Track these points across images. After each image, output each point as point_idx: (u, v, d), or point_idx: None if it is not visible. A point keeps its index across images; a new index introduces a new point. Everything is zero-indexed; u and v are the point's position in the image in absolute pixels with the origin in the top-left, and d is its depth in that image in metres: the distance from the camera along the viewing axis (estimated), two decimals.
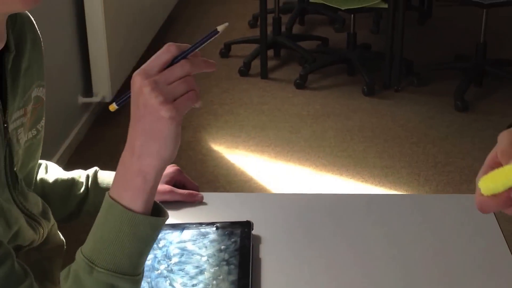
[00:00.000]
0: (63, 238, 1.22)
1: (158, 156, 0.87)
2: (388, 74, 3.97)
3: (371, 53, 4.43)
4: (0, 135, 0.98)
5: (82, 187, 1.27)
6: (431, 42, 4.74)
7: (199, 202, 1.32)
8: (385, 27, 4.04)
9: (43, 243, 1.12)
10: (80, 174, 1.29)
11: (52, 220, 1.17)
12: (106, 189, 1.26)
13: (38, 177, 1.27)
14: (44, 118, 1.15)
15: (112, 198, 0.90)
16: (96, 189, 1.27)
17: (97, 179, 1.28)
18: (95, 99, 3.49)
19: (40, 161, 1.28)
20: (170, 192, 1.30)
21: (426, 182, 3.03)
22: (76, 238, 1.06)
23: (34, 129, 1.11)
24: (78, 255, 0.91)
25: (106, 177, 1.29)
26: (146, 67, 0.87)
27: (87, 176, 1.29)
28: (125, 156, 0.91)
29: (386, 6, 3.78)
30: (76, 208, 1.28)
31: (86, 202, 1.27)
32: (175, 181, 1.33)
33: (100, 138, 3.47)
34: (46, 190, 1.25)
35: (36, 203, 1.12)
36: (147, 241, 0.90)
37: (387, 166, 3.15)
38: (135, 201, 0.89)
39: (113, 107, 0.92)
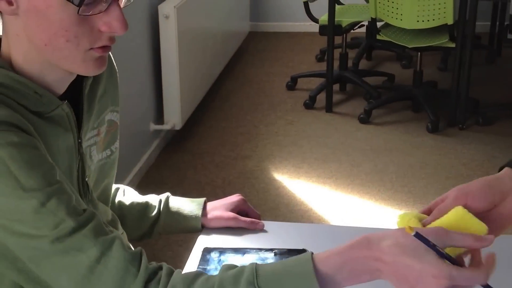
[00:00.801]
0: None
1: None
2: (453, 112, 3.98)
3: (437, 90, 4.44)
4: (74, 149, 1.10)
5: (154, 210, 1.39)
6: (499, 81, 4.72)
7: (260, 229, 1.40)
8: (452, 65, 4.06)
9: None
10: (153, 198, 1.42)
11: (121, 229, 1.29)
12: (176, 213, 1.37)
13: (117, 199, 1.40)
14: (118, 141, 1.27)
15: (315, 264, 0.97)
16: (167, 212, 1.39)
17: (168, 204, 1.40)
18: (166, 126, 3.65)
19: (119, 185, 1.42)
20: (235, 219, 1.39)
21: None
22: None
23: (109, 150, 1.24)
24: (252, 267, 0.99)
25: (176, 202, 1.41)
26: (455, 275, 0.90)
27: (160, 201, 1.41)
28: (369, 251, 0.96)
29: (453, 45, 3.80)
30: (148, 229, 1.40)
31: (158, 224, 1.39)
32: (239, 209, 1.43)
33: (169, 164, 3.60)
34: (124, 211, 1.39)
35: (105, 211, 1.24)
36: None
37: None
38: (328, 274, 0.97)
39: (410, 230, 0.92)
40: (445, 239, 0.93)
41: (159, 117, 3.66)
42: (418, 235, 0.90)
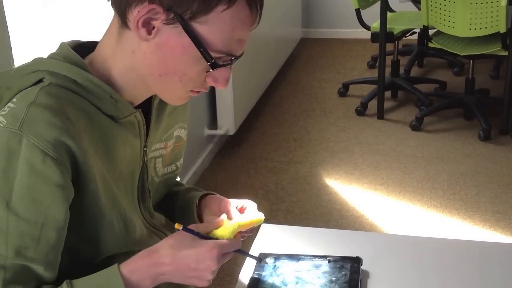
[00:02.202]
0: None
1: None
2: (505, 120, 3.97)
3: (489, 98, 4.42)
4: (140, 156, 1.16)
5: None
6: None
7: (314, 236, 1.43)
8: (504, 72, 4.05)
9: None
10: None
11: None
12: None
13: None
14: (183, 157, 1.34)
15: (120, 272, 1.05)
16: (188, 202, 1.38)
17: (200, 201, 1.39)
18: (220, 131, 3.74)
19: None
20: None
21: None
22: None
23: (174, 165, 1.31)
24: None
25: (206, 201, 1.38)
26: (220, 244, 1.09)
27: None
28: (150, 259, 1.07)
29: (506, 53, 3.79)
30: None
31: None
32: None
33: (223, 168, 3.70)
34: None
35: (159, 218, 1.29)
36: None
37: (499, 212, 3.16)
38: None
39: (178, 226, 1.10)
40: (204, 226, 1.11)
41: (213, 123, 3.76)
42: (184, 228, 1.09)
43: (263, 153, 3.87)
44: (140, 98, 1.14)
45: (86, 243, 1.10)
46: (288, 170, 3.66)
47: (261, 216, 1.21)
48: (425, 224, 3.10)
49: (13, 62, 2.16)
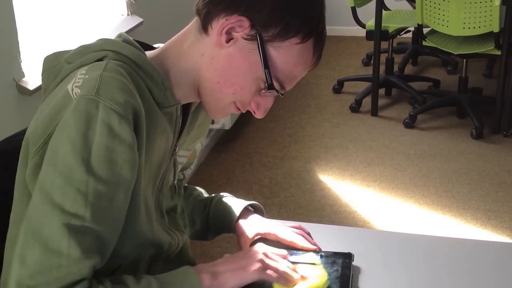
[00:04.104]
0: (194, 259, 1.40)
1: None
2: (498, 119, 4.02)
3: (482, 97, 4.46)
4: (169, 152, 1.20)
5: (205, 209, 1.46)
6: None
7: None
8: (497, 71, 4.09)
9: (179, 255, 1.31)
10: (209, 197, 1.49)
11: (186, 236, 1.36)
12: (221, 216, 1.44)
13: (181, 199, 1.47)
14: (191, 168, 1.38)
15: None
16: (214, 212, 1.45)
17: (218, 204, 1.46)
18: (216, 126, 3.78)
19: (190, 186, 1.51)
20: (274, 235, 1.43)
21: None
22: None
23: (181, 174, 1.35)
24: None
25: (225, 204, 1.44)
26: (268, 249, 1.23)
27: (212, 199, 1.47)
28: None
29: (499, 53, 3.83)
30: (202, 227, 1.47)
31: (210, 222, 1.46)
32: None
33: (218, 162, 3.73)
34: (184, 208, 1.46)
35: (172, 219, 1.32)
36: None
37: (491, 210, 3.20)
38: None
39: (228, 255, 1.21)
40: None
41: None
42: None
43: (258, 148, 3.90)
44: (183, 101, 1.19)
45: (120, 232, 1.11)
46: (283, 165, 3.70)
47: (322, 278, 1.23)
48: (417, 221, 3.13)
49: (19, 56, 2.18)
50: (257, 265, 1.15)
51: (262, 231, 1.38)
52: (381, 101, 4.45)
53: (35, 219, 0.99)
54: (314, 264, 1.26)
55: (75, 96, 1.01)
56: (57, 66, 1.12)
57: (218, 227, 1.45)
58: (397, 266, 1.33)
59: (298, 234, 1.39)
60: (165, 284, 1.07)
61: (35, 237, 0.98)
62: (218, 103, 1.16)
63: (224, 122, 3.77)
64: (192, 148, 1.33)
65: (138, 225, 1.12)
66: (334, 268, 1.27)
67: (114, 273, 1.14)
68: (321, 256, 1.32)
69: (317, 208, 3.24)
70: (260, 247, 1.21)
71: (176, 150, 1.23)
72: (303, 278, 1.21)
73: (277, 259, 1.20)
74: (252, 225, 1.39)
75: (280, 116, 4.35)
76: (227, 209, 1.43)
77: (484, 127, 3.98)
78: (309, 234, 1.41)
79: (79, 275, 0.99)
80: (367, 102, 4.39)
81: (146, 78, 1.10)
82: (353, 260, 1.31)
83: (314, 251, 1.34)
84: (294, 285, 1.18)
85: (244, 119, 4.13)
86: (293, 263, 1.24)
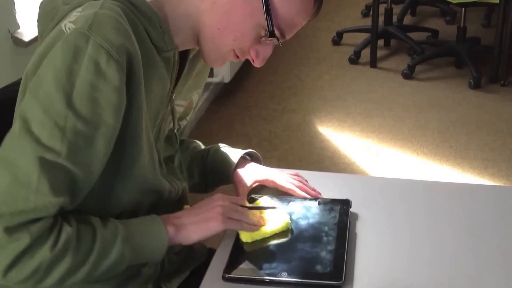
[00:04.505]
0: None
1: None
2: (495, 68, 4.02)
3: (480, 47, 4.46)
4: (166, 99, 1.19)
5: (201, 162, 1.47)
6: None
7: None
8: (495, 21, 4.08)
9: (177, 203, 1.31)
10: (205, 150, 1.49)
11: (184, 184, 1.35)
12: (217, 167, 1.44)
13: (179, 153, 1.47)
14: (187, 120, 1.37)
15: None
16: (211, 164, 1.45)
17: (214, 155, 1.46)
18: (215, 79, 3.79)
19: (188, 140, 1.51)
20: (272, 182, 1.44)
21: None
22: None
23: (178, 124, 1.33)
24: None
25: (222, 154, 1.44)
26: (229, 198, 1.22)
27: (208, 151, 1.47)
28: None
29: (497, 1, 3.82)
30: (200, 180, 1.47)
31: (207, 175, 1.46)
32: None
33: (218, 116, 3.75)
34: (182, 162, 1.46)
35: (171, 169, 1.32)
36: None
37: (488, 159, 3.23)
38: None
39: (186, 207, 1.23)
40: None
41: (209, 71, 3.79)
42: None
43: (257, 101, 3.92)
44: (181, 47, 1.18)
45: (119, 178, 1.11)
46: (282, 118, 3.72)
47: (285, 220, 1.25)
48: (415, 170, 3.17)
49: (14, 7, 2.18)
50: (219, 217, 1.16)
51: (260, 178, 1.39)
52: (380, 52, 4.45)
53: (10, 147, 0.98)
54: (274, 208, 1.27)
55: (68, 31, 1.00)
56: (53, 9, 1.09)
57: (216, 178, 1.45)
58: (395, 211, 1.34)
59: (296, 180, 1.40)
60: (131, 231, 1.08)
61: (6, 165, 0.97)
62: (218, 50, 1.15)
63: (224, 75, 3.77)
64: (189, 98, 1.32)
65: (141, 170, 1.12)
66: (332, 214, 1.29)
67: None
68: (319, 203, 1.33)
69: (317, 160, 3.27)
70: (218, 198, 1.20)
71: (173, 98, 1.22)
72: (264, 221, 1.23)
73: (237, 208, 1.21)
74: (250, 173, 1.40)
75: (279, 69, 4.35)
76: (224, 159, 1.43)
77: (482, 76, 3.99)
78: (306, 181, 1.42)
79: (45, 212, 0.97)
80: (366, 53, 4.38)
81: (144, 20, 1.08)
82: (350, 207, 1.32)
83: (314, 199, 1.35)
84: (259, 229, 1.21)
85: (244, 72, 4.13)
86: (253, 208, 1.25)
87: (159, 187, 1.20)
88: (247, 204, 1.26)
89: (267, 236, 1.21)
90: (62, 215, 1.02)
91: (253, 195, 1.38)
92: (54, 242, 0.99)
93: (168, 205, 1.25)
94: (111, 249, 1.05)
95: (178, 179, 1.31)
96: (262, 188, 1.41)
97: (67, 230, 1.00)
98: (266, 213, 1.25)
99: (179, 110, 1.30)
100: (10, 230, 0.96)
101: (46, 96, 0.97)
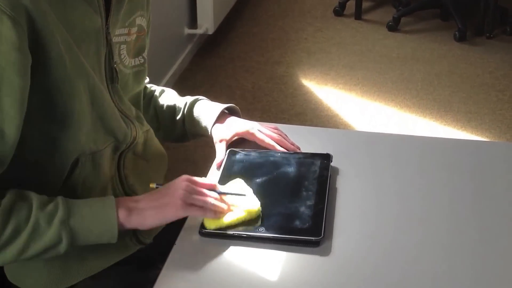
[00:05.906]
0: (164, 151, 1.40)
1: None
2: (481, 21, 4.00)
3: None
4: (102, 34, 1.14)
5: (179, 114, 1.45)
6: None
7: (287, 134, 1.42)
8: None
9: (145, 146, 1.31)
10: (182, 101, 1.46)
11: (146, 126, 1.34)
12: (197, 120, 1.42)
13: (153, 104, 1.46)
14: (147, 49, 1.32)
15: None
16: (189, 117, 1.43)
17: (192, 109, 1.44)
18: (199, 30, 3.73)
19: (161, 88, 1.49)
20: (251, 134, 1.39)
21: (509, 129, 3.09)
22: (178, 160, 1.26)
23: (141, 57, 1.30)
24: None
25: (201, 108, 1.43)
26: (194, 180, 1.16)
27: (185, 104, 1.45)
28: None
29: None
30: (181, 131, 1.46)
31: (186, 127, 1.45)
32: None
33: (202, 67, 3.71)
34: (158, 113, 1.46)
35: (129, 108, 1.29)
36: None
37: (471, 112, 3.23)
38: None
39: (152, 185, 1.17)
40: None
41: (193, 22, 3.74)
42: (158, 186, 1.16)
43: (241, 53, 3.88)
44: None
45: (58, 127, 1.09)
46: (265, 70, 3.69)
47: (254, 208, 1.16)
48: (398, 123, 3.17)
49: None
50: (178, 203, 1.10)
51: (240, 131, 1.38)
52: (365, 4, 4.40)
53: None
54: (244, 195, 1.17)
55: None
56: None
57: (195, 132, 1.43)
58: (376, 165, 1.33)
59: (276, 133, 1.39)
60: (75, 213, 1.05)
61: None
62: None
63: (208, 26, 3.72)
64: (133, 24, 1.25)
65: (80, 115, 1.09)
66: (312, 169, 1.27)
67: (74, 170, 1.13)
68: (299, 158, 1.32)
69: (299, 113, 3.26)
70: (183, 181, 1.13)
71: (109, 30, 1.16)
72: (231, 208, 1.15)
73: (202, 192, 1.14)
74: (229, 127, 1.38)
75: (263, 21, 4.30)
76: (202, 114, 1.41)
77: (468, 29, 3.97)
78: (286, 136, 1.41)
79: None
80: (351, 5, 4.33)
81: None
82: (331, 161, 1.30)
83: (294, 153, 1.34)
84: (224, 216, 1.14)
85: (228, 24, 4.07)
86: (221, 193, 1.17)
87: (110, 128, 1.18)
88: (218, 189, 1.17)
89: (233, 224, 1.13)
90: None
91: (233, 148, 1.37)
92: None
93: (135, 151, 1.26)
94: (46, 231, 1.02)
95: (139, 122, 1.29)
96: (242, 141, 1.40)
97: None
98: (235, 199, 1.17)
99: (123, 39, 1.23)
100: None
101: None
